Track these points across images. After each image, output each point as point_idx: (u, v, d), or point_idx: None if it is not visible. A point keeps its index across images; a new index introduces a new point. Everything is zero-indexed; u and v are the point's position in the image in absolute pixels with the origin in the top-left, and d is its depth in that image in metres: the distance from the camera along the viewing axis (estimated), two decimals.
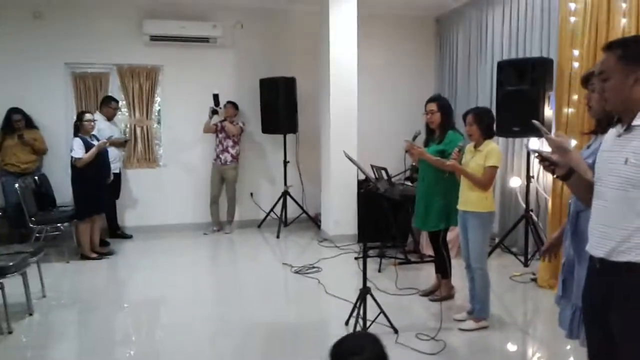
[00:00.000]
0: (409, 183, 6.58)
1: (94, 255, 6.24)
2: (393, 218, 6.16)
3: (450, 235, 4.91)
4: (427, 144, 4.77)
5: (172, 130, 7.78)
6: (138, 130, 7.65)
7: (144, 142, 7.69)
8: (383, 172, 5.79)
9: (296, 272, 5.69)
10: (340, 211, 6.91)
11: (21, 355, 3.91)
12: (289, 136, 7.74)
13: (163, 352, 4.03)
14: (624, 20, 4.39)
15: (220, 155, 7.48)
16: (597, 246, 2.08)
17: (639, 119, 1.97)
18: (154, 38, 7.40)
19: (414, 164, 5.11)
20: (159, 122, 7.95)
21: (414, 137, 4.65)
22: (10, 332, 4.16)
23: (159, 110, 7.92)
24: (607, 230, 2.03)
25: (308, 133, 7.81)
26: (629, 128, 2.00)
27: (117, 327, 4.54)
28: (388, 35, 8.21)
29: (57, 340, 4.25)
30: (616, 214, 2.00)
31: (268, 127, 7.60)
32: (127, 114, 7.68)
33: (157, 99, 7.84)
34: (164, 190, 7.70)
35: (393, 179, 6.08)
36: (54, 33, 7.15)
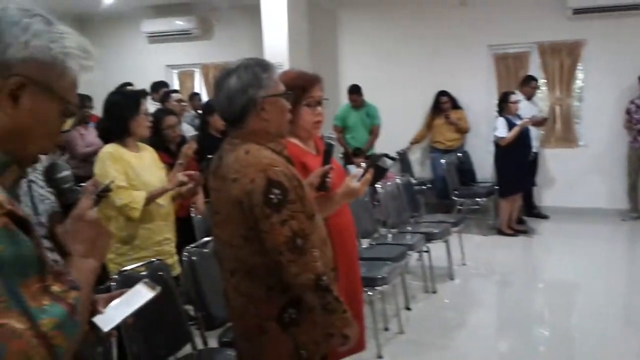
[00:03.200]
0: None
1: (510, 231, 6.34)
2: None
3: None
4: None
5: (594, 108, 7.22)
6: (557, 108, 7.40)
7: (562, 120, 7.41)
8: None
9: None
10: None
11: (443, 314, 4.35)
12: None
13: (577, 338, 3.87)
14: None
15: (638, 137, 6.59)
16: None
17: None
18: (578, 11, 6.97)
19: None
20: (579, 100, 7.51)
21: None
22: (434, 292, 4.65)
23: (581, 87, 7.47)
24: None
25: None
26: None
27: (531, 305, 4.57)
28: None
29: (475, 306, 4.56)
30: None
31: None
32: (545, 92, 7.51)
33: (579, 75, 7.40)
34: (581, 172, 7.24)
35: None
36: (477, 18, 7.45)
